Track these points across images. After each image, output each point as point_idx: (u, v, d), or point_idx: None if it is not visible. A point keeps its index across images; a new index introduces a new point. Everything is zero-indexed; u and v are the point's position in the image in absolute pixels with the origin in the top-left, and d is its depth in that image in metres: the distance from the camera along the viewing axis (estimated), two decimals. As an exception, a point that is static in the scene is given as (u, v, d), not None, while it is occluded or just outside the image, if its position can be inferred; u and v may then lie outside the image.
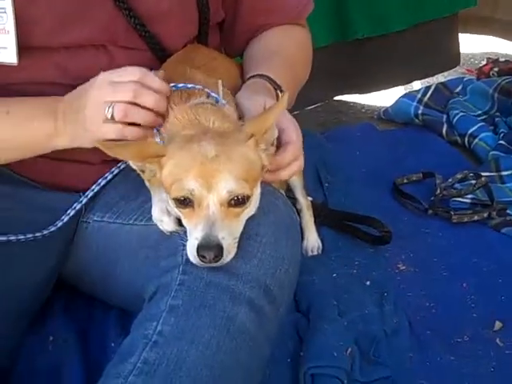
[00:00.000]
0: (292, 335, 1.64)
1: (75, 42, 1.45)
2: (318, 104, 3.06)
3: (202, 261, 1.18)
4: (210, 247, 1.16)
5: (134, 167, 1.29)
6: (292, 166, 1.35)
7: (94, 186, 1.46)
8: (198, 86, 1.37)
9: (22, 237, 1.42)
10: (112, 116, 1.25)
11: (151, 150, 1.24)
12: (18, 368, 1.52)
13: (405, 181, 2.35)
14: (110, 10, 1.44)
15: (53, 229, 1.46)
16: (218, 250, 1.17)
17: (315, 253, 1.94)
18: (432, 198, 2.21)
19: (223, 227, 1.17)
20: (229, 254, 1.19)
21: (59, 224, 1.47)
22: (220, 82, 1.38)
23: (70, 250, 1.58)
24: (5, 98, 1.41)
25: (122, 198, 1.52)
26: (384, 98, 3.19)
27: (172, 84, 1.35)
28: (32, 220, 1.48)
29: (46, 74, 1.47)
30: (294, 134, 1.35)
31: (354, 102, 3.20)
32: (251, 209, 1.24)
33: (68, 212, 1.48)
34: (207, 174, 1.18)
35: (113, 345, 1.58)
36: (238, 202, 1.20)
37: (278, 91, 1.47)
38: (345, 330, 1.63)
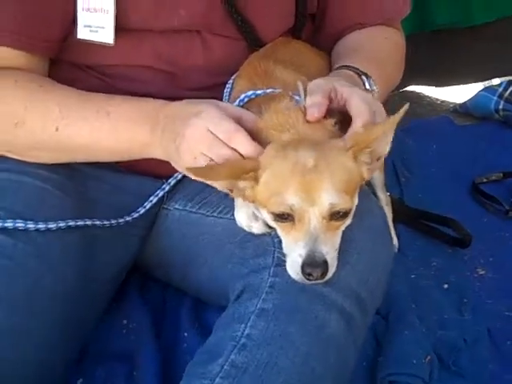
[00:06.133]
0: (368, 338, 1.58)
1: (170, 26, 1.44)
2: (393, 93, 2.97)
3: (308, 279, 1.13)
4: (317, 264, 1.12)
5: (220, 188, 1.23)
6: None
7: (177, 174, 1.46)
8: (277, 90, 1.29)
9: (107, 222, 1.43)
10: None
11: (244, 166, 1.16)
12: (92, 349, 1.53)
13: (484, 180, 2.27)
14: None
15: (135, 215, 1.47)
16: (325, 266, 1.12)
17: (391, 251, 1.89)
18: (512, 200, 2.13)
19: (326, 242, 1.13)
20: (332, 269, 1.15)
21: (142, 211, 1.48)
22: (300, 83, 1.28)
23: (149, 236, 1.58)
24: (106, 96, 1.38)
25: (206, 187, 1.49)
26: (459, 93, 3.08)
27: (251, 92, 1.30)
28: (115, 203, 1.49)
29: (139, 57, 1.47)
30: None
31: (429, 94, 3.10)
32: (350, 220, 1.20)
33: (151, 199, 1.48)
34: (307, 186, 1.12)
35: (186, 334, 1.57)
36: (340, 215, 1.15)
37: (363, 77, 1.38)
38: (424, 337, 1.58)
